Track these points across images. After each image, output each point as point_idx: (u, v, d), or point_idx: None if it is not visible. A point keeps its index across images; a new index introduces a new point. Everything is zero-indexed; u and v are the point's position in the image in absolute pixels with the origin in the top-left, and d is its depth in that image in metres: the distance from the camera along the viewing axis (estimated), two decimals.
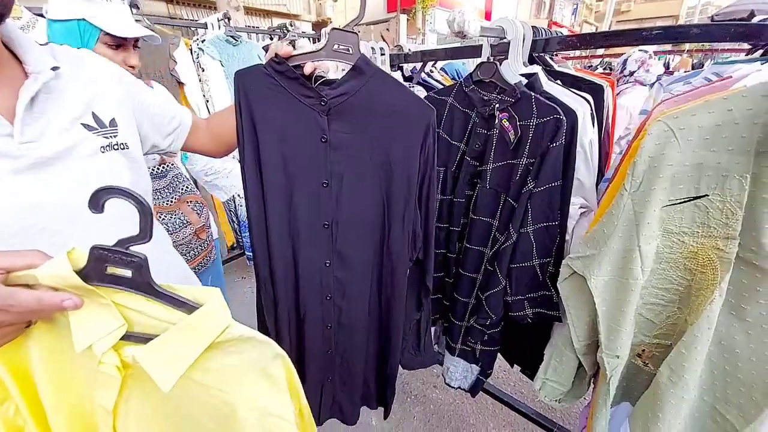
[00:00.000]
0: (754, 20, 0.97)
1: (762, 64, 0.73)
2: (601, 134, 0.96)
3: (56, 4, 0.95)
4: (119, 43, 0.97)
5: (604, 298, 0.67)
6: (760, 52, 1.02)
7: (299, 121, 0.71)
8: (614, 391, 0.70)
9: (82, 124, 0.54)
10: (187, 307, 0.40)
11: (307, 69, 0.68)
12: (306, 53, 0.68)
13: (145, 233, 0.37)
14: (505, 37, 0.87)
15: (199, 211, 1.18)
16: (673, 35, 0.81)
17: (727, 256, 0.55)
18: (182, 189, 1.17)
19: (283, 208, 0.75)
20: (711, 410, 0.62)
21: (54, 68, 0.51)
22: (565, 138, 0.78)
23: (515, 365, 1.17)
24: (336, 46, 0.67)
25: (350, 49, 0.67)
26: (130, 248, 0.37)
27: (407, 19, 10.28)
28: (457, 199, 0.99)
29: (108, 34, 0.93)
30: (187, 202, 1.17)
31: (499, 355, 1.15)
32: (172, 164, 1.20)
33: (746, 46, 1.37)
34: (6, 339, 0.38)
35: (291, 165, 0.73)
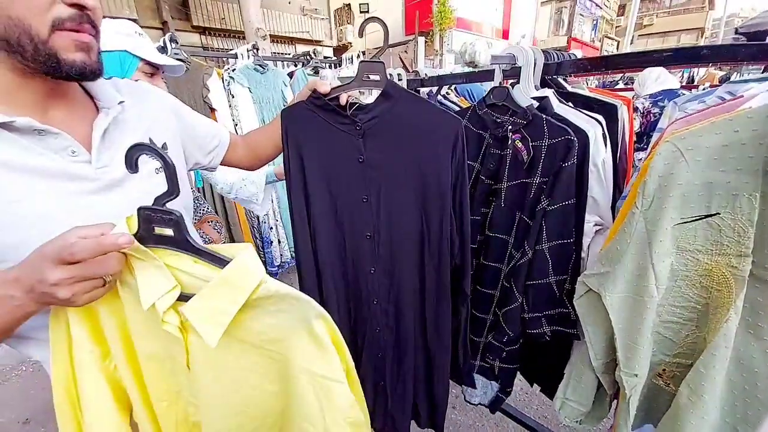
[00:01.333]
0: None
1: None
2: (617, 153, 0.97)
3: (103, 38, 1.10)
4: (153, 72, 1.11)
5: (620, 316, 0.67)
6: None
7: (338, 146, 0.80)
8: (634, 411, 0.69)
9: None
10: (224, 263, 0.45)
11: (342, 100, 0.77)
12: (341, 86, 0.77)
13: (173, 189, 0.44)
14: (516, 63, 0.92)
15: (219, 230, 1.29)
16: (684, 57, 0.82)
17: (741, 274, 0.55)
18: (202, 210, 1.29)
19: (331, 223, 0.84)
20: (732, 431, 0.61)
21: (120, 102, 0.60)
22: (577, 158, 0.80)
23: (535, 384, 1.15)
24: (366, 76, 0.76)
25: (378, 76, 0.76)
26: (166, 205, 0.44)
27: (425, 41, 10.55)
28: (472, 216, 1.01)
29: (147, 63, 1.07)
30: (208, 222, 1.27)
31: (520, 376, 1.14)
32: (192, 188, 1.32)
33: None
34: (87, 296, 0.43)
35: (334, 185, 0.82)
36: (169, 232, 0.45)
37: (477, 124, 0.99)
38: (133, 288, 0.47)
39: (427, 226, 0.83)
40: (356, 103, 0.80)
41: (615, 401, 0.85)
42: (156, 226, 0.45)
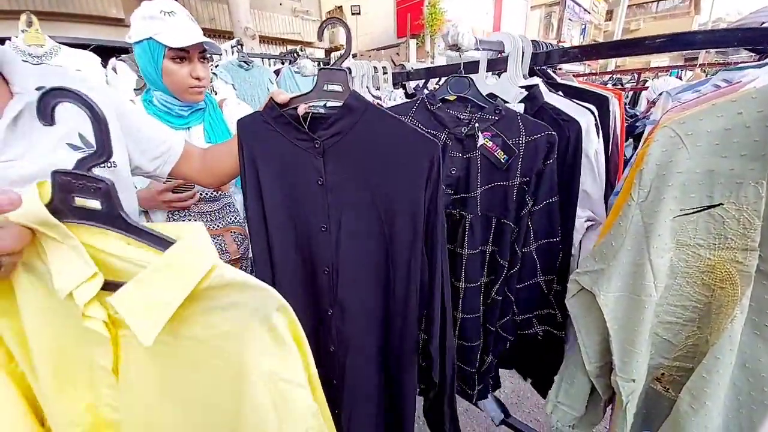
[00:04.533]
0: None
1: None
2: (608, 145, 0.93)
3: (132, 28, 0.97)
4: (182, 56, 0.96)
5: (616, 316, 0.62)
6: None
7: (296, 165, 0.69)
8: (632, 418, 0.64)
9: (67, 143, 0.55)
10: (167, 245, 0.35)
11: (300, 111, 0.68)
12: (299, 96, 0.68)
13: (103, 148, 0.34)
14: (503, 51, 0.87)
15: (239, 243, 1.15)
16: (679, 42, 0.79)
17: (747, 270, 0.51)
18: (230, 218, 1.16)
19: (291, 251, 0.73)
20: None
21: (38, 88, 0.51)
22: (569, 148, 0.76)
23: (526, 391, 1.10)
24: (326, 86, 0.66)
25: (340, 87, 0.65)
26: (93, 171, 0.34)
27: (416, 44, 10.58)
28: None
29: (170, 48, 0.94)
30: (231, 232, 1.15)
31: (511, 392, 1.09)
32: (227, 192, 1.18)
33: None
34: None
35: (292, 209, 0.72)
36: (95, 204, 0.36)
37: (428, 122, 0.82)
38: (41, 276, 0.38)
39: (393, 265, 0.70)
40: (316, 115, 0.69)
41: (610, 406, 0.81)
42: (77, 196, 0.35)
